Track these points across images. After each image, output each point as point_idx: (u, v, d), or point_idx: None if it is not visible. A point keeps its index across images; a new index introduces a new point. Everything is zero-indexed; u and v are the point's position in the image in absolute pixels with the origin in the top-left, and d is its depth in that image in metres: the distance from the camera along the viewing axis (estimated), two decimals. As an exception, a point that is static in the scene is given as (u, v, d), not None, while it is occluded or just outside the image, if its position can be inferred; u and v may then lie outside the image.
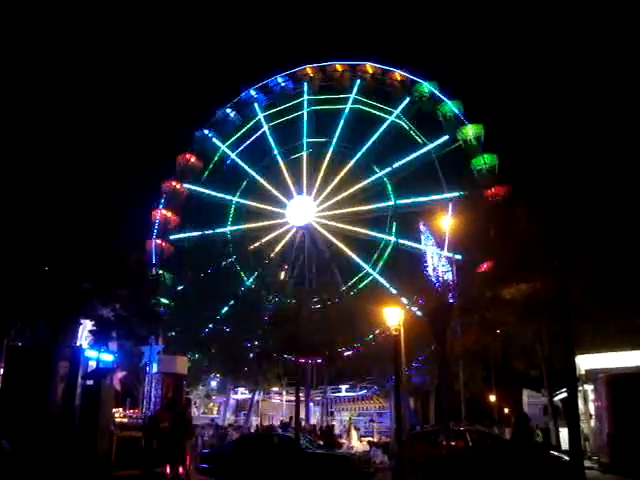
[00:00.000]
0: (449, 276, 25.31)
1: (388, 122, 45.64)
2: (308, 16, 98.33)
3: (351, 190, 45.76)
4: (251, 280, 37.58)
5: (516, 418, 18.83)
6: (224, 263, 37.26)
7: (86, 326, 24.34)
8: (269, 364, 34.22)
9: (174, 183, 47.24)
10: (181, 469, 13.69)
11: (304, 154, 47.79)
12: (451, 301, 24.76)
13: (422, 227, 34.16)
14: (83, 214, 25.22)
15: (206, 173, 49.02)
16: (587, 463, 18.69)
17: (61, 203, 25.12)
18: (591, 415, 22.23)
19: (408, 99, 45.07)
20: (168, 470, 13.68)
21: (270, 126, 49.09)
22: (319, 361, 38.26)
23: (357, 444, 28.89)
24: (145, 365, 24.31)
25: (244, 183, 48.42)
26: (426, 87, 44.08)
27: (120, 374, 22.49)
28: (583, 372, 21.53)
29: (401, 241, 41.97)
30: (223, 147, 48.82)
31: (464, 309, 24.52)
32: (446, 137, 43.41)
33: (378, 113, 46.36)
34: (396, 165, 44.07)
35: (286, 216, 46.94)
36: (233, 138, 49.44)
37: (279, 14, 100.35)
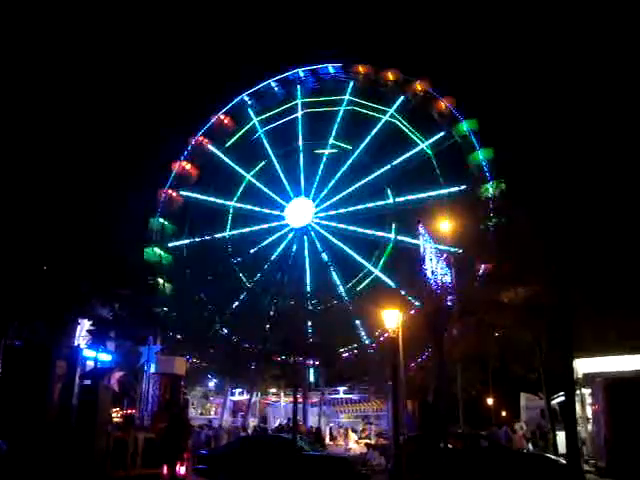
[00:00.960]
0: (448, 279, 25.32)
1: (383, 121, 45.71)
2: (299, 19, 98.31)
3: (349, 190, 45.84)
4: (250, 284, 37.48)
5: (420, 404, 18.39)
6: (223, 267, 37.17)
7: (84, 326, 24.33)
8: (267, 366, 34.20)
9: (170, 191, 47.15)
10: (183, 469, 13.70)
11: (300, 156, 47.87)
12: (449, 304, 24.79)
13: (421, 229, 34.23)
14: (82, 215, 25.28)
15: (202, 179, 48.91)
16: (584, 467, 18.69)
17: (60, 204, 25.17)
18: (588, 419, 22.25)
19: (402, 97, 45.22)
20: (165, 470, 13.68)
21: (265, 130, 49.03)
22: (317, 363, 38.29)
23: (354, 446, 28.93)
24: (143, 365, 24.28)
25: (241, 188, 48.41)
26: (419, 85, 44.28)
27: (118, 374, 22.49)
28: (581, 376, 21.54)
29: (400, 238, 42.10)
30: (218, 153, 48.80)
31: (462, 312, 24.52)
32: (442, 133, 43.58)
33: (372, 113, 46.43)
34: (394, 163, 44.17)
35: (285, 218, 46.98)
36: (228, 144, 49.43)
37: (269, 18, 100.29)
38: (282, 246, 45.57)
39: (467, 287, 24.90)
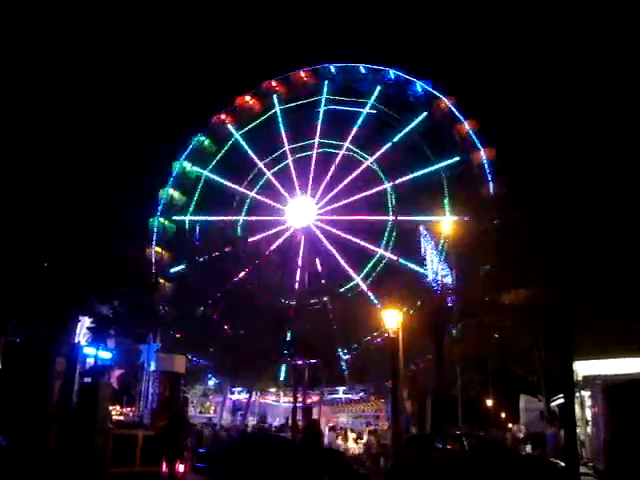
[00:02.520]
0: (448, 280, 25.34)
1: (365, 112, 45.83)
2: (313, 16, 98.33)
3: (345, 182, 45.89)
4: (245, 274, 37.46)
5: (305, 426, 18.62)
6: (227, 250, 37.22)
7: (84, 323, 24.36)
8: (267, 365, 34.22)
9: (185, 163, 47.24)
10: (182, 467, 13.71)
11: (313, 155, 47.81)
12: (450, 305, 24.82)
13: (422, 229, 34.26)
14: (82, 212, 25.27)
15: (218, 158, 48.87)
16: (583, 469, 18.70)
17: (60, 201, 25.16)
18: (588, 421, 22.24)
19: (379, 88, 45.37)
20: (164, 468, 13.70)
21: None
22: (316, 362, 38.32)
23: (353, 446, 28.90)
24: (143, 363, 24.31)
25: (251, 175, 48.34)
26: (392, 73, 44.38)
27: (118, 372, 22.54)
28: (580, 378, 21.53)
29: (402, 218, 42.03)
30: (236, 134, 48.78)
31: (463, 313, 24.53)
32: (424, 114, 43.57)
33: (353, 107, 46.67)
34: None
35: (286, 221, 47.01)
36: (248, 127, 49.32)
37: (271, 17, 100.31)
38: (280, 242, 45.59)
39: (467, 288, 24.88)
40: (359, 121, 46.11)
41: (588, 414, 22.03)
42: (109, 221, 25.42)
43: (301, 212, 46.73)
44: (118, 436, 16.01)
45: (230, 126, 48.94)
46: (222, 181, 48.45)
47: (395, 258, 40.63)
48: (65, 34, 61.28)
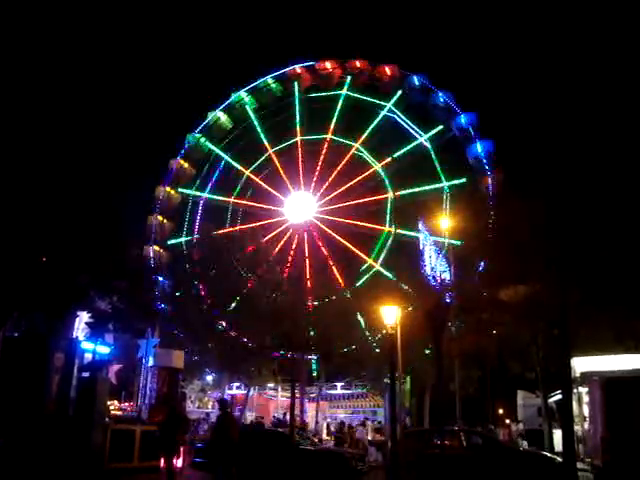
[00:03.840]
0: (447, 276, 25.35)
1: (381, 115, 45.64)
2: (295, 15, 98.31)
3: (349, 184, 45.86)
4: (249, 276, 37.43)
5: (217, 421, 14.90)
6: (223, 264, 37.11)
7: (82, 318, 24.33)
8: (265, 360, 34.22)
9: (167, 188, 47.01)
10: (179, 462, 13.70)
11: (299, 151, 47.82)
12: (448, 301, 24.83)
13: (420, 225, 34.24)
14: (82, 207, 25.23)
15: (201, 176, 48.84)
16: (580, 465, 18.75)
17: (60, 195, 25.11)
18: (585, 417, 22.27)
19: (400, 92, 45.09)
20: (162, 463, 13.70)
21: (263, 127, 48.87)
22: (315, 358, 38.35)
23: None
24: (141, 358, 24.31)
25: (239, 184, 48.42)
26: (417, 79, 44.11)
27: (116, 367, 22.54)
28: (578, 374, 21.55)
29: (400, 231, 42.18)
30: (216, 150, 48.73)
31: (461, 309, 24.55)
32: (440, 127, 43.47)
33: (370, 107, 46.36)
34: (394, 156, 44.08)
35: (284, 214, 46.98)
36: (226, 141, 49.30)
37: (265, 15, 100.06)
38: (281, 243, 45.57)
39: (466, 285, 24.91)
40: (374, 123, 45.83)
41: (586, 410, 22.05)
42: (109, 216, 25.39)
43: (301, 207, 46.69)
44: (116, 431, 16.04)
45: (248, 107, 48.80)
46: (231, 161, 48.36)
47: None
48: (67, 28, 61.07)
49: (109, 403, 21.50)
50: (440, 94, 43.12)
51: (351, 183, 45.77)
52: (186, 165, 47.84)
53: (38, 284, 22.92)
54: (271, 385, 40.51)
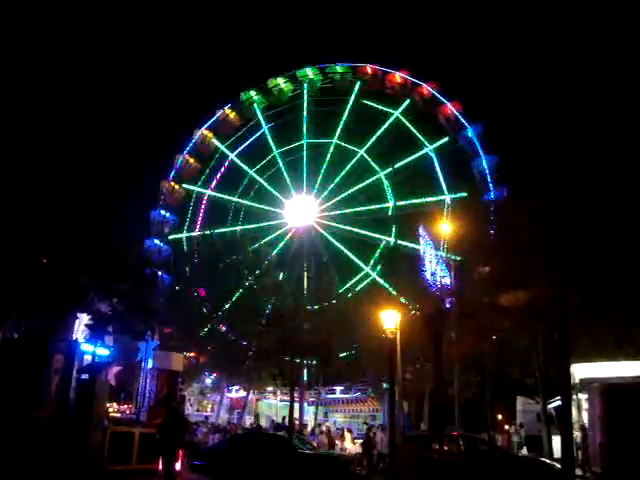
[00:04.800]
0: (447, 281, 25.33)
1: (388, 123, 45.73)
2: (309, 18, 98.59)
3: (351, 191, 45.86)
4: (250, 280, 37.44)
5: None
6: (227, 261, 37.10)
7: (82, 320, 24.34)
8: (264, 363, 34.21)
9: (172, 183, 47.09)
10: (178, 465, 13.66)
11: (304, 155, 47.87)
12: (448, 306, 24.81)
13: (421, 231, 34.25)
14: (82, 207, 25.22)
15: (206, 173, 48.96)
16: (579, 472, 18.72)
17: (60, 195, 25.11)
18: (584, 424, 22.23)
19: (408, 100, 45.11)
20: (161, 466, 13.67)
21: (269, 127, 49.10)
22: (314, 362, 38.30)
23: (350, 446, 28.91)
24: (140, 361, 24.32)
25: (243, 184, 48.49)
26: (426, 89, 44.12)
27: (115, 369, 22.54)
28: (578, 381, 21.54)
29: (400, 242, 42.15)
30: (222, 147, 48.78)
31: (461, 314, 24.52)
32: (446, 139, 43.55)
33: (378, 114, 46.46)
34: (396, 166, 44.08)
35: (285, 217, 47.02)
36: (232, 139, 49.38)
37: (279, 15, 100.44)
38: (281, 245, 45.61)
39: (466, 289, 24.90)
40: (380, 130, 45.89)
41: (585, 417, 22.03)
42: (109, 217, 25.40)
43: (302, 211, 46.71)
44: (115, 433, 16.03)
45: (256, 105, 48.91)
46: (236, 159, 48.52)
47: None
48: (72, 27, 61.20)
49: (108, 405, 21.50)
50: (449, 105, 43.11)
51: (354, 189, 45.80)
52: (192, 160, 47.92)
53: (38, 285, 22.90)
54: (270, 389, 40.48)
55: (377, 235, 44.23)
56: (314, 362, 38.33)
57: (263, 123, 49.02)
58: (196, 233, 46.41)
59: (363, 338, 34.00)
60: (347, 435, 30.47)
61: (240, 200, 48.02)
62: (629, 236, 18.39)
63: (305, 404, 38.04)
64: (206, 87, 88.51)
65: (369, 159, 46.01)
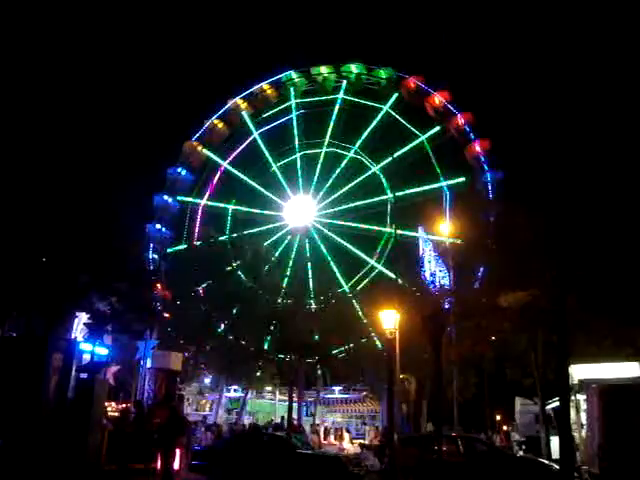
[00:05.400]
0: (446, 281, 25.36)
1: (378, 118, 45.84)
2: (290, 21, 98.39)
3: (348, 187, 45.97)
4: (249, 283, 37.42)
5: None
6: (224, 270, 37.05)
7: (81, 319, 24.34)
8: (263, 363, 34.21)
9: (165, 197, 47.05)
10: (176, 464, 13.69)
11: (297, 156, 47.93)
12: (447, 307, 24.83)
13: (420, 230, 34.33)
14: (82, 207, 25.23)
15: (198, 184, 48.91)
16: (577, 473, 18.73)
17: (60, 195, 25.12)
18: (582, 425, 22.25)
19: (396, 94, 45.25)
20: (159, 465, 13.69)
21: (260, 133, 49.08)
22: (313, 362, 38.28)
23: (348, 446, 28.98)
24: (139, 360, 24.30)
25: (238, 191, 48.51)
26: (411, 82, 44.31)
27: (114, 368, 22.53)
28: (576, 382, 21.55)
29: (400, 232, 42.30)
30: (214, 157, 48.78)
31: (460, 315, 24.55)
32: (438, 128, 43.67)
33: (368, 110, 46.63)
34: (391, 158, 44.31)
35: (284, 218, 47.04)
36: (223, 148, 49.38)
37: (259, 21, 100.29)
38: (282, 246, 45.62)
39: (465, 290, 24.94)
40: (371, 126, 46.04)
41: (583, 418, 22.04)
42: (109, 216, 25.40)
43: (301, 211, 46.74)
44: (113, 432, 16.03)
45: (245, 113, 48.95)
46: (229, 167, 48.49)
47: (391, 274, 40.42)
48: (66, 34, 61.17)
49: (106, 404, 21.45)
50: (436, 95, 43.37)
51: (350, 185, 45.95)
52: (183, 172, 47.66)
53: (37, 284, 22.92)
54: (269, 389, 40.47)
55: (377, 227, 44.28)
56: (313, 362, 38.32)
57: (253, 129, 49.03)
58: (203, 201, 46.60)
59: (363, 337, 34.11)
60: (346, 435, 30.54)
61: (236, 207, 47.97)
62: (628, 237, 18.42)
63: (303, 404, 38.02)
64: (193, 97, 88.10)
65: (363, 155, 46.12)
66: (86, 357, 18.66)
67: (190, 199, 48.04)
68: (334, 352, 36.13)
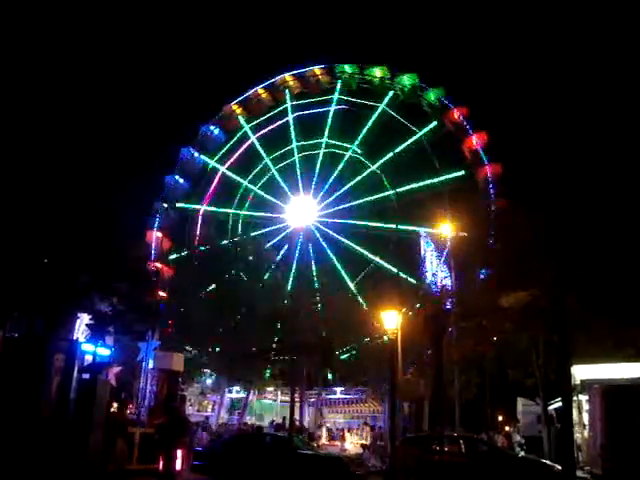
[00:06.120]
0: (448, 282, 25.37)
1: (375, 116, 45.98)
2: (283, 21, 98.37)
3: (349, 185, 46.03)
4: (251, 284, 37.41)
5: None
6: (232, 272, 37.03)
7: (83, 320, 24.35)
8: (265, 364, 34.20)
9: (165, 205, 46.96)
10: (178, 465, 13.67)
11: (296, 158, 47.98)
12: (449, 307, 24.84)
13: (422, 232, 34.33)
14: (82, 207, 25.25)
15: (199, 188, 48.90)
16: (579, 473, 18.71)
17: (61, 196, 25.14)
18: (585, 425, 22.24)
19: (392, 93, 45.38)
20: (161, 466, 13.68)
21: (257, 137, 49.16)
22: (314, 362, 38.28)
23: (350, 447, 28.98)
24: (141, 361, 24.29)
25: (239, 195, 48.54)
26: (407, 79, 44.37)
27: (116, 369, 22.52)
28: (578, 382, 21.54)
29: (401, 227, 42.37)
30: (212, 163, 48.79)
31: (462, 315, 24.55)
32: (434, 123, 43.78)
33: (364, 109, 46.83)
34: (392, 154, 44.42)
35: (285, 220, 47.07)
36: (220, 153, 49.37)
37: (251, 25, 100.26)
38: (285, 247, 45.65)
39: (467, 291, 24.94)
40: (368, 125, 46.19)
41: (585, 418, 22.03)
42: (109, 216, 25.43)
43: (302, 212, 46.77)
44: (115, 433, 16.02)
45: (241, 117, 49.04)
46: (228, 172, 48.54)
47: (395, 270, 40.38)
48: (67, 34, 61.21)
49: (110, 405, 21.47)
50: (431, 91, 43.45)
51: (350, 184, 45.99)
52: (181, 180, 47.72)
53: (39, 285, 22.92)
54: (271, 389, 40.49)
55: (379, 224, 44.33)
56: (316, 362, 38.33)
57: (250, 133, 49.07)
58: (203, 207, 46.68)
59: (365, 338, 34.09)
60: (347, 435, 30.55)
61: (237, 211, 47.99)
62: (628, 237, 18.42)
63: (305, 405, 38.03)
64: (190, 103, 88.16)
65: (361, 153, 46.15)
66: (88, 358, 18.65)
67: (190, 205, 48.00)
68: (337, 352, 36.14)
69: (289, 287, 36.41)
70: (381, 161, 45.11)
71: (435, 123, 43.79)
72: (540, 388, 24.86)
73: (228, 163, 49.07)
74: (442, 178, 42.18)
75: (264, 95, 48.77)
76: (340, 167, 46.68)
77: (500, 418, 39.29)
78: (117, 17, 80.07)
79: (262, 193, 48.14)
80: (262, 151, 48.75)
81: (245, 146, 49.31)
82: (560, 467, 17.38)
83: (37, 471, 13.68)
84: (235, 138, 49.52)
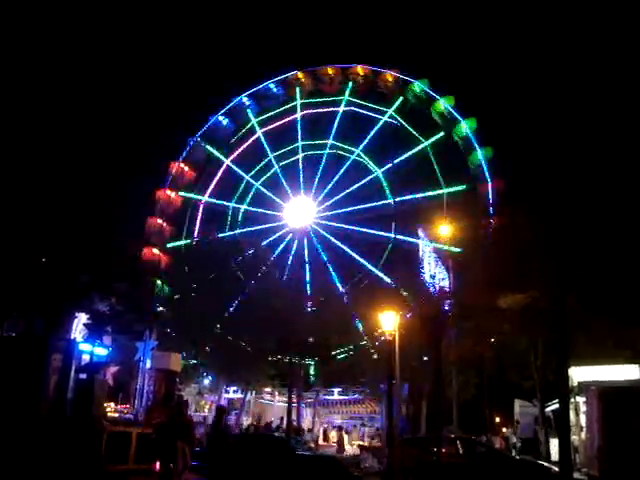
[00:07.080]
0: (446, 283, 25.37)
1: (382, 121, 45.85)
2: (298, 20, 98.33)
3: (349, 190, 45.96)
4: (249, 283, 37.36)
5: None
6: (223, 268, 36.98)
7: (81, 319, 24.34)
8: (262, 364, 34.19)
9: (168, 192, 47.02)
10: (180, 466, 13.65)
11: (299, 157, 47.95)
12: (447, 308, 24.84)
13: (420, 233, 34.32)
14: (82, 207, 25.25)
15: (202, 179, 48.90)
16: (576, 475, 18.73)
17: (60, 196, 25.14)
18: (582, 427, 22.25)
19: (401, 98, 45.27)
20: (158, 467, 13.65)
21: (264, 131, 49.08)
22: (312, 362, 38.28)
23: (347, 448, 28.95)
24: (139, 360, 24.26)
25: (240, 189, 48.51)
26: (417, 86, 44.30)
27: (113, 369, 22.52)
28: (576, 384, 21.56)
29: (400, 237, 42.25)
30: (217, 154, 48.81)
31: (460, 316, 24.55)
32: (441, 134, 43.66)
33: (372, 114, 46.54)
34: (393, 163, 44.29)
35: (284, 219, 47.02)
36: (226, 145, 49.38)
37: (268, 19, 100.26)
38: (281, 247, 45.61)
39: (465, 292, 24.92)
40: (374, 129, 46.02)
41: (583, 420, 22.04)
42: (108, 217, 25.43)
43: (301, 213, 46.72)
44: (112, 433, 15.97)
45: (249, 110, 49.00)
46: (231, 165, 48.52)
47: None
48: (66, 34, 61.14)
49: (105, 405, 21.44)
50: (441, 100, 43.29)
51: (351, 189, 45.89)
52: (186, 168, 47.94)
53: (37, 285, 22.92)
54: (268, 390, 40.45)
55: (377, 232, 44.26)
56: (312, 363, 38.31)
57: (257, 127, 49.06)
58: (205, 198, 46.72)
59: (362, 339, 34.07)
60: (345, 436, 30.51)
61: (237, 205, 47.98)
62: (628, 237, 18.42)
63: (302, 405, 38.00)
64: (199, 93, 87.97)
65: (365, 158, 46.10)
66: (85, 357, 18.65)
67: (192, 195, 48.02)
68: (334, 353, 36.14)
69: (285, 287, 36.32)
70: (384, 168, 44.93)
71: (442, 134, 43.51)
72: (538, 389, 24.86)
73: (232, 156, 49.02)
74: (443, 191, 41.87)
75: (275, 90, 48.68)
76: (343, 170, 46.53)
77: (497, 419, 39.31)
78: (123, 13, 79.95)
79: (264, 189, 48.07)
80: (267, 146, 48.67)
81: (251, 140, 49.20)
82: (557, 469, 17.42)
83: (37, 471, 13.65)
84: (243, 131, 49.43)
